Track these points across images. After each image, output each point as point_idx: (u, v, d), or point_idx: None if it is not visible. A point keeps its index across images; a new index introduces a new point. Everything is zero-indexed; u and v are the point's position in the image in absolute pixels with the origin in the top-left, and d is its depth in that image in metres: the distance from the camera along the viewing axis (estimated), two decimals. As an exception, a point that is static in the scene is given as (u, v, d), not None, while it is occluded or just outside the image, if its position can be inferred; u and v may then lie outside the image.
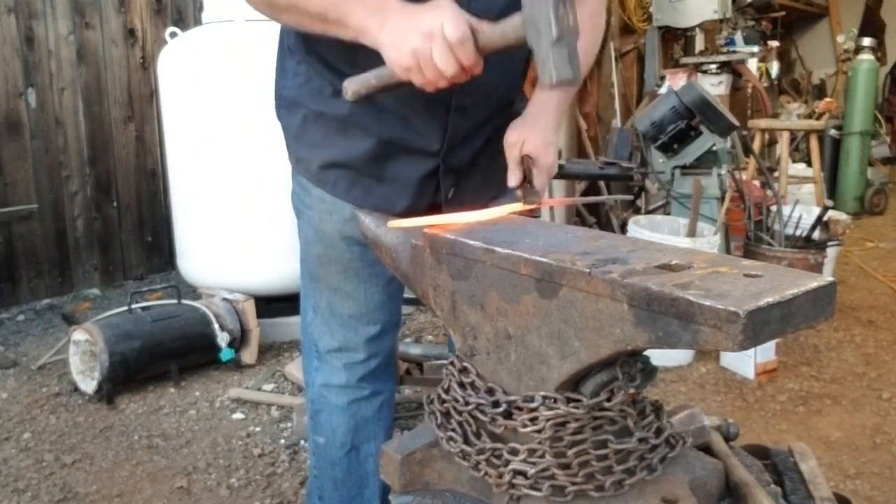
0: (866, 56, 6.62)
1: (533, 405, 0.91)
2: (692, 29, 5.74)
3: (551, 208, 4.29)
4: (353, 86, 1.18)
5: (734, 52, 5.74)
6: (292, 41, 1.39)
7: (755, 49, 6.05)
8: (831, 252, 3.91)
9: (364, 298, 1.49)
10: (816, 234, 3.79)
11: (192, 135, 3.51)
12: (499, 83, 1.39)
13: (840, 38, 7.63)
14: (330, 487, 1.62)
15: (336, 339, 1.52)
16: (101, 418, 2.84)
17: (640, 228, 3.48)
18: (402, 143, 1.35)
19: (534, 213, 1.20)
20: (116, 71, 4.45)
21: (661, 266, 0.83)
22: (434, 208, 1.37)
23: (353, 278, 1.47)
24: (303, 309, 1.60)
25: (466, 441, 0.99)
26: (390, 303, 1.53)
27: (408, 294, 2.29)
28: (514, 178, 1.30)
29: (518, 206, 1.20)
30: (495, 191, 1.48)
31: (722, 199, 3.76)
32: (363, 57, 1.14)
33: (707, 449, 1.15)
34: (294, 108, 1.41)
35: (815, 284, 0.76)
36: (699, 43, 5.91)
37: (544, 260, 0.87)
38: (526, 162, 1.29)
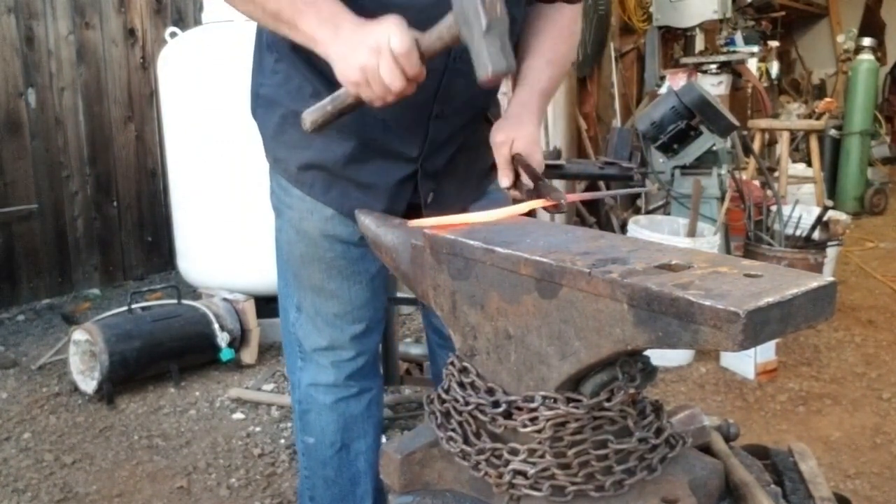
0: (866, 56, 6.61)
1: (533, 405, 0.91)
2: (692, 29, 5.74)
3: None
4: (311, 116, 1.19)
5: (734, 52, 5.74)
6: (271, 37, 1.38)
7: (755, 49, 6.05)
8: (831, 252, 3.91)
9: (348, 296, 1.48)
10: (816, 234, 3.78)
11: (192, 135, 3.51)
12: (478, 91, 1.40)
13: (840, 38, 7.62)
14: (321, 487, 1.62)
15: (323, 337, 1.52)
16: (101, 418, 2.84)
17: (640, 228, 3.48)
18: (381, 147, 1.35)
19: (559, 209, 1.18)
20: (116, 71, 4.45)
21: (661, 266, 0.83)
22: (413, 211, 1.37)
23: (337, 277, 1.47)
24: (283, 309, 1.59)
25: (466, 441, 0.99)
26: (374, 300, 1.53)
27: (408, 294, 2.29)
28: (506, 179, 1.29)
29: (540, 203, 1.19)
30: (474, 194, 1.50)
31: (722, 199, 3.76)
32: None
33: (707, 449, 1.15)
34: (272, 107, 1.40)
35: (815, 284, 0.76)
36: (699, 43, 5.91)
37: (544, 260, 0.87)
38: (517, 161, 1.28)
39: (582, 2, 1.45)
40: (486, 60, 1.02)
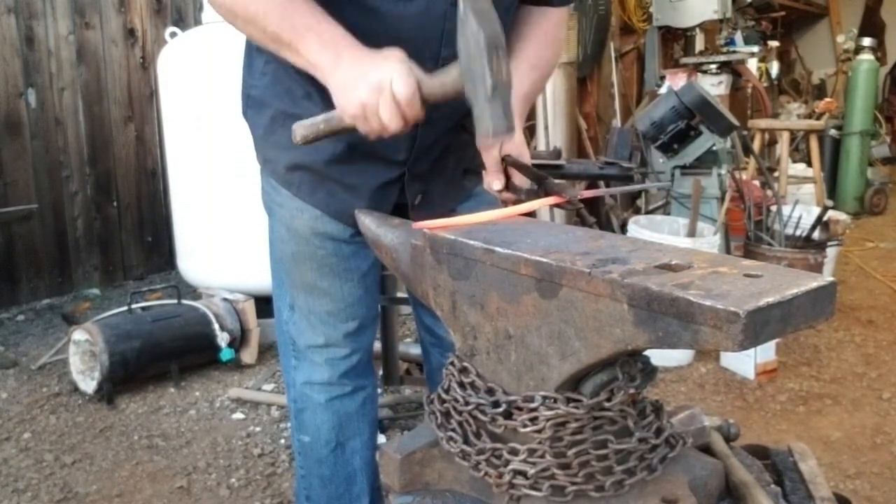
0: (866, 56, 6.61)
1: (533, 405, 0.91)
2: (692, 29, 5.75)
3: (551, 207, 4.29)
4: (302, 130, 1.18)
5: (734, 52, 5.74)
6: None
7: (755, 49, 6.06)
8: (831, 252, 3.91)
9: (340, 294, 1.49)
10: (816, 234, 3.79)
11: (192, 135, 3.51)
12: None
13: (840, 38, 7.63)
14: (318, 486, 1.62)
15: (317, 335, 1.52)
16: (101, 418, 2.84)
17: (640, 228, 3.48)
18: (369, 150, 1.35)
19: (572, 205, 1.18)
20: (116, 71, 4.45)
21: (661, 266, 0.83)
22: (399, 212, 1.37)
23: (329, 275, 1.47)
24: (277, 309, 1.59)
25: (466, 441, 0.99)
26: (367, 297, 1.53)
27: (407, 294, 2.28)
28: (498, 182, 1.27)
29: (553, 200, 1.18)
30: (461, 194, 1.51)
31: (722, 199, 3.76)
32: None
33: (707, 449, 1.15)
34: (262, 108, 1.41)
35: (815, 284, 0.76)
36: (699, 43, 5.92)
37: (544, 260, 0.87)
38: (508, 162, 1.27)
39: (568, 6, 1.45)
40: (489, 123, 1.03)
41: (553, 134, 4.77)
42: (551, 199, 1.16)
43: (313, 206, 1.41)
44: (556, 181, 1.22)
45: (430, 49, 1.25)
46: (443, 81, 1.09)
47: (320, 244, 1.44)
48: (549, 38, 1.42)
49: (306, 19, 1.13)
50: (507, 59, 1.05)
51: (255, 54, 1.40)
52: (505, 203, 1.27)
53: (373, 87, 1.07)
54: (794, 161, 6.24)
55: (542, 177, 1.23)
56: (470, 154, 1.37)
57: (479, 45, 1.00)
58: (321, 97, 1.24)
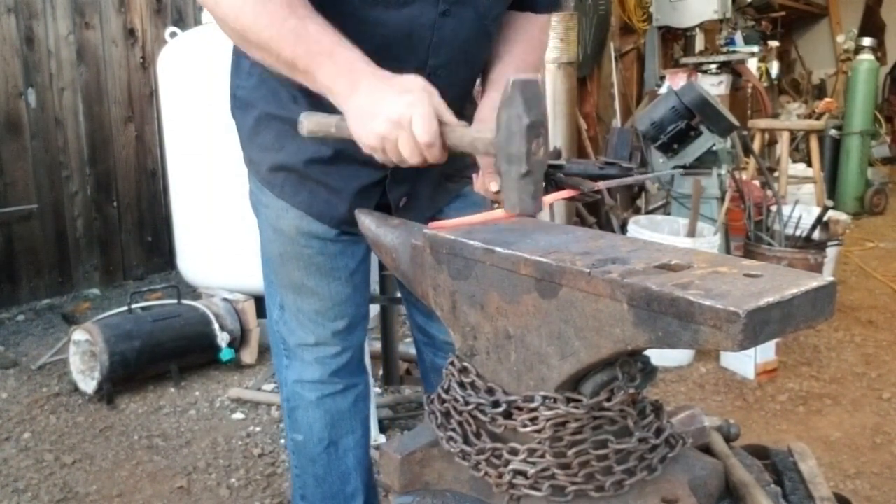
0: (866, 56, 6.61)
1: (533, 405, 0.91)
2: (692, 29, 5.76)
3: (551, 207, 4.29)
4: (311, 124, 1.15)
5: (734, 52, 5.75)
6: None
7: (755, 49, 6.07)
8: (831, 252, 3.91)
9: (328, 293, 1.49)
10: (816, 234, 3.78)
11: (192, 135, 3.51)
12: (454, 99, 1.39)
13: (840, 38, 7.63)
14: (312, 484, 1.62)
15: (306, 333, 1.52)
16: (101, 418, 2.84)
17: (640, 228, 3.48)
18: (352, 153, 1.34)
19: (586, 197, 1.16)
20: (116, 71, 4.45)
21: (661, 266, 0.83)
22: (383, 212, 1.36)
23: (315, 274, 1.47)
24: (268, 309, 1.60)
25: (466, 441, 0.99)
26: (356, 295, 1.53)
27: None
28: (495, 183, 1.27)
29: (566, 193, 1.17)
30: (448, 195, 1.51)
31: (722, 199, 3.76)
32: None
33: (707, 449, 1.15)
34: (248, 108, 1.41)
35: (815, 284, 0.76)
36: (699, 43, 5.93)
37: (544, 260, 0.87)
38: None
39: (551, 14, 1.46)
40: (516, 201, 1.01)
41: (553, 134, 4.77)
42: (566, 192, 1.15)
43: (295, 208, 1.42)
44: (563, 177, 1.21)
45: (418, 58, 1.25)
46: (473, 138, 1.05)
47: (306, 243, 1.45)
48: (535, 43, 1.44)
49: (321, 44, 1.10)
50: (547, 139, 1.02)
51: (242, 54, 1.40)
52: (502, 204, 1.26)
53: (392, 122, 1.04)
54: (794, 161, 6.24)
55: (550, 174, 1.22)
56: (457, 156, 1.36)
57: (522, 129, 0.98)
58: (307, 101, 1.23)
